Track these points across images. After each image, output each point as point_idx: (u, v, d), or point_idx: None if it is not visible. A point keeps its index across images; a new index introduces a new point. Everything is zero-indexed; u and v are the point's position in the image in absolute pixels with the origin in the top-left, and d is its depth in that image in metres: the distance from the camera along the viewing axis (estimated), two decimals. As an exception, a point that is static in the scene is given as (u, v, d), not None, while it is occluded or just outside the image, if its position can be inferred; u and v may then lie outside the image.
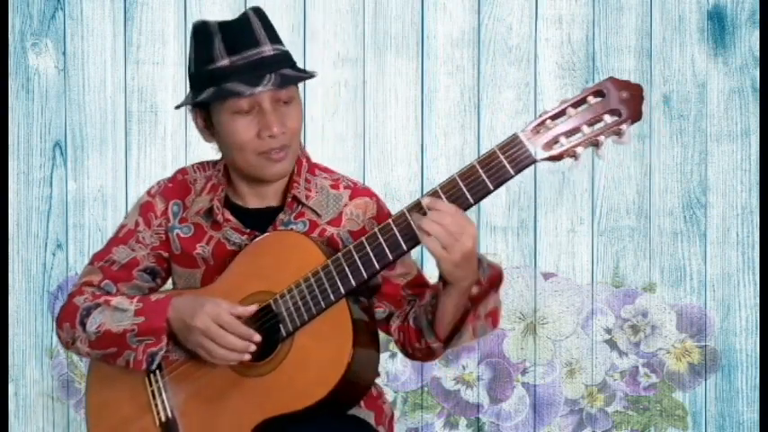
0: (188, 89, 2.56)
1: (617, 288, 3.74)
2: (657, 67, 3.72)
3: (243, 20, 2.47)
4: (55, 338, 3.73)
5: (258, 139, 2.47)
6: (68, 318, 2.57)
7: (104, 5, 3.72)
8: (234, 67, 2.43)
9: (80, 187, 3.74)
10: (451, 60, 3.72)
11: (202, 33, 2.48)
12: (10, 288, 3.74)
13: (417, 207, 2.34)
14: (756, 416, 3.74)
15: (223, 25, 2.47)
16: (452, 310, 2.42)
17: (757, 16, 3.69)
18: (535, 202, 3.73)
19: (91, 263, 2.64)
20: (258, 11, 2.50)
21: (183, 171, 2.64)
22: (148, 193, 2.63)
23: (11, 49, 3.71)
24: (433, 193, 2.33)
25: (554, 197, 3.73)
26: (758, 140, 3.71)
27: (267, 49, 2.45)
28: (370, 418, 2.55)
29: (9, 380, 3.75)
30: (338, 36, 3.71)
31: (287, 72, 2.46)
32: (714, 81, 3.71)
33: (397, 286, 2.53)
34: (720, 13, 3.70)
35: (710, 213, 3.73)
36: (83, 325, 2.53)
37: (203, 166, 2.64)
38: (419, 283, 2.56)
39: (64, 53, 3.73)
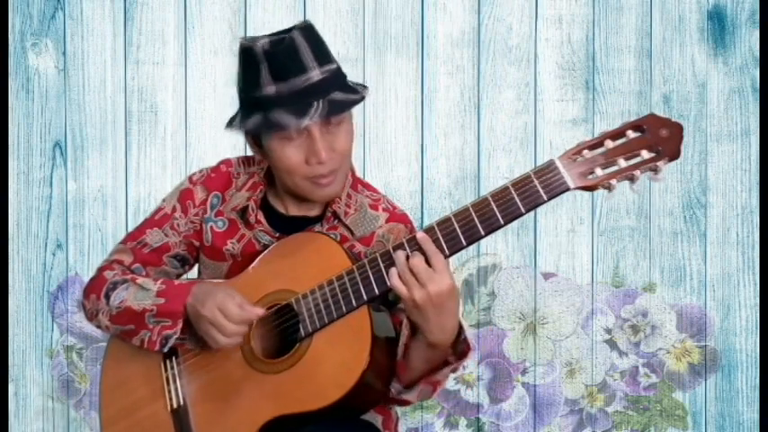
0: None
1: (617, 288, 3.74)
2: (657, 67, 3.72)
3: (289, 43, 2.41)
4: (55, 338, 3.74)
5: (306, 165, 2.45)
6: (95, 290, 2.58)
7: (104, 5, 3.72)
8: (279, 96, 2.40)
9: (80, 187, 3.74)
10: (451, 60, 3.72)
11: (249, 57, 2.43)
12: (10, 288, 3.75)
13: (446, 223, 2.35)
14: (756, 416, 3.74)
15: (268, 51, 2.41)
16: (419, 361, 2.43)
17: (757, 16, 3.69)
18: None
19: (123, 242, 2.65)
20: (305, 29, 2.44)
21: (227, 163, 2.63)
22: (190, 179, 2.63)
23: (11, 49, 3.71)
24: (464, 210, 2.33)
25: (554, 197, 3.72)
26: (758, 140, 3.71)
27: (315, 75, 2.41)
28: (377, 421, 2.56)
29: (9, 380, 3.75)
30: (338, 36, 3.71)
31: (336, 97, 2.42)
32: (714, 81, 3.71)
33: (398, 319, 2.51)
34: (720, 13, 3.70)
35: (710, 213, 3.73)
36: (107, 297, 2.55)
37: (248, 160, 2.63)
38: None
39: (64, 53, 3.73)
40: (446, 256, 2.35)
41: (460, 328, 2.42)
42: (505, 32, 3.72)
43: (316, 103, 2.40)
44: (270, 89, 2.41)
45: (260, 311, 2.42)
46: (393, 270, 2.34)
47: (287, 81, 2.40)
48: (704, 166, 3.72)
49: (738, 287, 3.73)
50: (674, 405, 3.75)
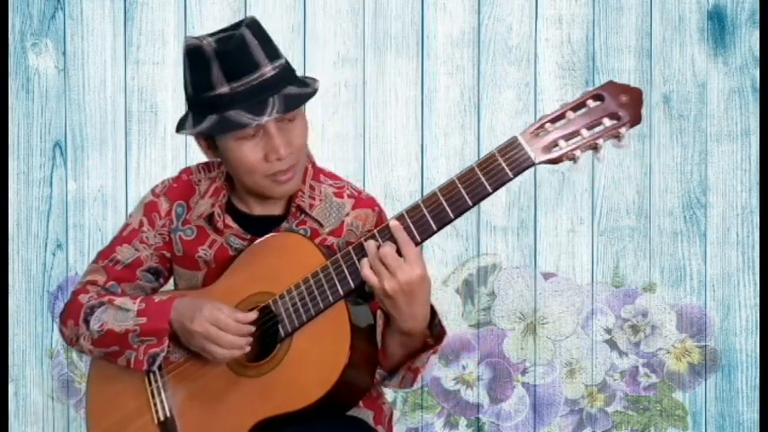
0: (185, 110, 2.52)
1: (617, 288, 3.74)
2: (657, 67, 3.72)
3: (238, 40, 2.39)
4: (55, 338, 3.73)
5: (266, 162, 2.45)
6: (72, 315, 2.57)
7: (104, 5, 3.72)
8: (235, 94, 2.39)
9: (80, 187, 3.74)
10: (451, 60, 3.72)
11: (197, 57, 2.41)
12: (10, 288, 3.74)
13: (415, 210, 2.35)
14: (756, 416, 3.74)
15: (219, 49, 2.39)
16: (396, 348, 2.44)
17: (757, 16, 3.69)
18: (535, 202, 3.73)
19: (95, 261, 2.64)
20: (252, 24, 2.43)
21: (187, 171, 2.63)
22: (153, 192, 2.62)
23: (11, 49, 3.71)
24: (432, 196, 2.33)
25: (554, 197, 3.73)
26: (758, 140, 3.71)
27: (267, 71, 2.40)
28: (368, 417, 2.55)
29: (9, 380, 3.75)
30: (338, 36, 3.71)
31: (290, 92, 2.41)
32: (714, 81, 3.71)
33: (376, 305, 2.50)
34: (720, 13, 3.70)
35: (710, 213, 3.73)
36: (86, 323, 2.53)
37: (208, 166, 2.62)
38: None
39: (64, 53, 3.73)
40: (417, 243, 2.35)
41: (433, 313, 2.42)
42: (505, 32, 3.72)
43: (271, 99, 2.39)
44: (223, 88, 2.39)
45: (251, 316, 2.42)
46: (365, 260, 2.34)
47: (240, 79, 2.39)
48: (704, 166, 3.72)
49: (738, 287, 3.73)
50: (674, 405, 3.75)
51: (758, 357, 3.73)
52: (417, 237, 2.35)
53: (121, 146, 3.74)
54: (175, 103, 3.72)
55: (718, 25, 3.71)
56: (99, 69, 3.73)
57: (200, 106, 2.43)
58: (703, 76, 3.71)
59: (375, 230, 2.37)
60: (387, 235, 2.35)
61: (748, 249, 3.73)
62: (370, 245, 2.34)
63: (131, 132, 3.74)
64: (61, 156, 3.74)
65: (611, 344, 3.75)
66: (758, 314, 3.73)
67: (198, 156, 3.68)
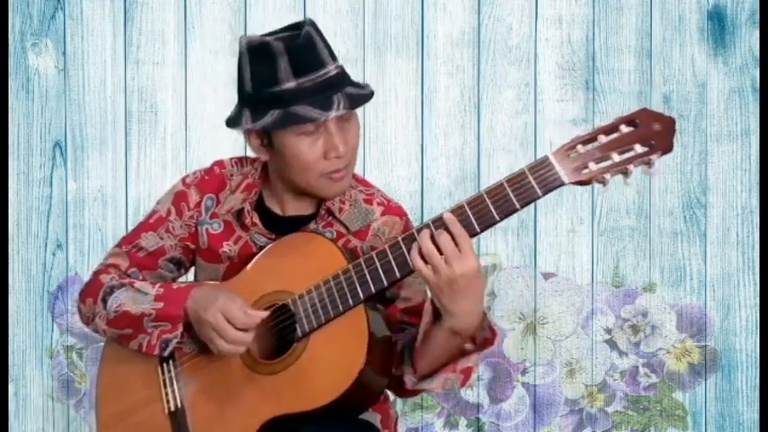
0: (233, 106, 2.48)
1: (617, 288, 3.74)
2: (657, 67, 3.72)
3: (307, 38, 2.43)
4: (55, 338, 3.74)
5: (324, 159, 2.45)
6: (92, 294, 2.58)
7: (104, 5, 3.72)
8: (301, 90, 2.40)
9: (80, 187, 3.74)
10: (451, 60, 3.72)
11: (264, 53, 2.43)
12: (10, 288, 3.75)
13: (440, 221, 2.33)
14: (756, 416, 3.74)
15: (289, 46, 2.41)
16: (438, 350, 2.40)
17: (757, 16, 3.69)
18: (535, 201, 3.72)
19: (119, 245, 2.64)
20: (314, 25, 2.47)
21: (220, 164, 2.62)
22: (183, 182, 2.62)
23: (11, 49, 3.71)
24: (459, 207, 2.32)
25: (554, 197, 3.71)
26: (758, 140, 3.71)
27: (331, 69, 2.43)
28: (376, 420, 2.55)
29: (9, 380, 3.75)
30: (338, 36, 3.71)
31: (352, 92, 2.44)
32: (714, 81, 3.71)
33: (396, 309, 2.52)
34: (720, 13, 3.70)
35: (710, 213, 3.73)
36: (104, 302, 2.54)
37: (241, 161, 2.62)
38: (418, 311, 2.50)
39: (64, 53, 3.73)
40: (442, 254, 2.33)
41: (484, 315, 2.39)
42: (505, 32, 3.72)
43: (336, 96, 2.41)
44: (290, 83, 2.40)
45: (263, 314, 2.42)
46: (414, 251, 2.31)
47: (307, 75, 2.41)
48: (704, 166, 3.72)
49: (738, 287, 3.73)
50: (674, 405, 3.75)
51: (758, 357, 3.73)
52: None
53: (121, 146, 3.74)
54: (175, 103, 3.73)
55: (718, 25, 3.71)
56: (99, 69, 3.73)
57: (262, 102, 2.43)
58: (703, 76, 3.71)
59: (399, 238, 2.35)
60: (411, 239, 2.34)
61: (748, 249, 3.73)
62: (425, 234, 2.31)
63: (131, 132, 3.74)
64: (61, 156, 3.74)
65: (611, 344, 3.75)
66: (758, 314, 3.73)
67: (197, 156, 3.69)
